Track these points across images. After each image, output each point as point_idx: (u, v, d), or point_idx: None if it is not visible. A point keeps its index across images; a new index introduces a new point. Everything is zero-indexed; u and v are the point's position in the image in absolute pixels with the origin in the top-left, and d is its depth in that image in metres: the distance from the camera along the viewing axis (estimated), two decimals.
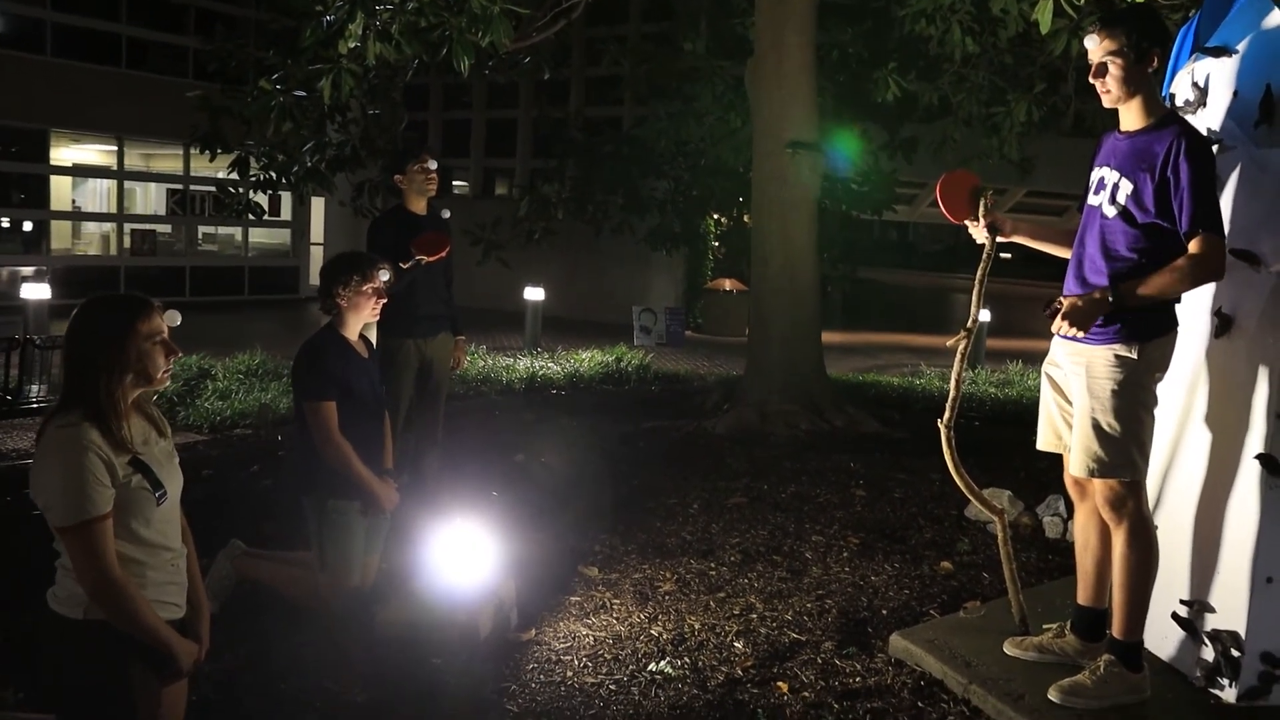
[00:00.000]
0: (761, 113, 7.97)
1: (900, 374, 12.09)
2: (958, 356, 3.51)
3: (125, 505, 2.34)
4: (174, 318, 2.49)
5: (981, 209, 3.44)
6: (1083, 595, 3.46)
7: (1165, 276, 2.96)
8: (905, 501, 5.70)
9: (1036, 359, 12.80)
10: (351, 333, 3.91)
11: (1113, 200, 3.10)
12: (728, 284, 17.65)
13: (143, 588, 2.38)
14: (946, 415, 3.50)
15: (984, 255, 3.47)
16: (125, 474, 2.33)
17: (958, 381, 3.53)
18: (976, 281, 3.47)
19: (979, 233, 3.47)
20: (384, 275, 3.93)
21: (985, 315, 12.93)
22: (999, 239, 3.48)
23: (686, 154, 12.59)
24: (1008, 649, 3.51)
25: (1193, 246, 2.93)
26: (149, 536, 2.41)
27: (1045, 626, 3.57)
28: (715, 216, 16.40)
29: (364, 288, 3.84)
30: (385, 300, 3.96)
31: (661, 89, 12.73)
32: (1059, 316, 3.03)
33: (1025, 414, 8.61)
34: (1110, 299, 2.98)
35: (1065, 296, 3.12)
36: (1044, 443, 3.50)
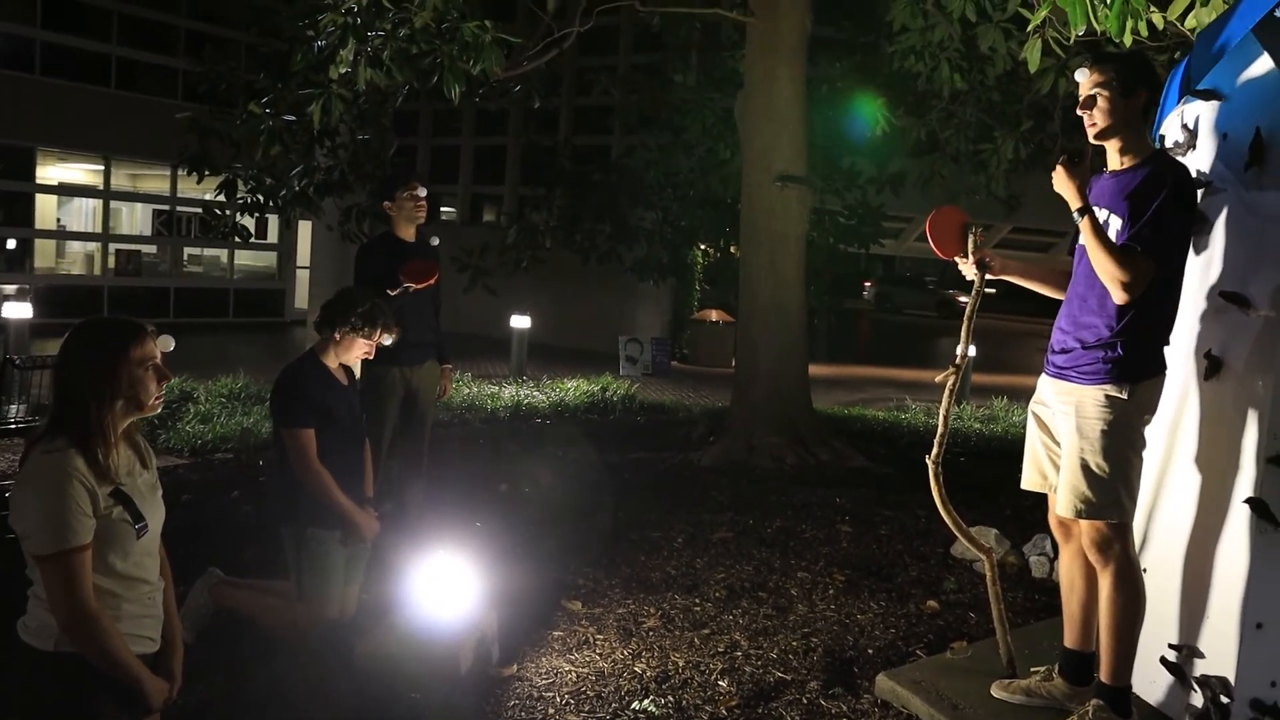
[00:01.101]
0: (751, 145, 7.99)
1: (885, 408, 12.07)
2: (946, 392, 3.49)
3: (104, 537, 2.28)
4: (167, 343, 2.44)
5: (970, 245, 3.44)
6: (1069, 638, 3.43)
7: (1105, 248, 2.98)
8: (891, 538, 5.67)
9: (1021, 395, 12.84)
10: (333, 361, 3.88)
11: None
12: (714, 315, 17.66)
13: (117, 620, 2.32)
14: (934, 451, 3.48)
15: (973, 291, 3.47)
16: (107, 505, 2.28)
17: (946, 417, 3.51)
18: (965, 318, 3.46)
19: (968, 269, 3.46)
20: (388, 340, 3.95)
21: (971, 351, 12.96)
22: (987, 276, 3.48)
23: (675, 185, 12.61)
24: (995, 692, 3.47)
25: (1121, 257, 2.97)
26: (126, 570, 2.35)
27: (1033, 669, 3.53)
28: (702, 247, 16.42)
29: (361, 339, 3.86)
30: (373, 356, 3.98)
31: (651, 119, 12.79)
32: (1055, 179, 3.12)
33: (1010, 450, 8.62)
34: (1078, 213, 3.05)
35: (1060, 366, 3.21)
36: (1029, 482, 3.49)
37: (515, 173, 20.50)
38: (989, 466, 7.90)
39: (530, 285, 13.96)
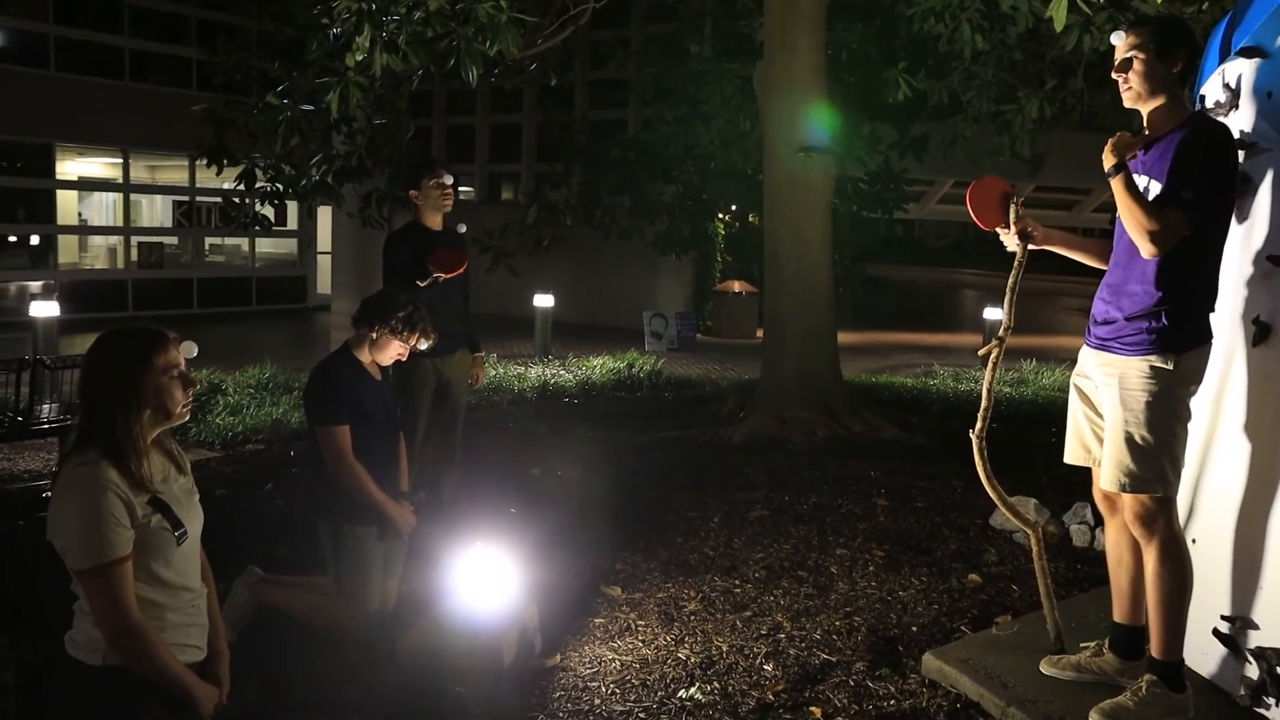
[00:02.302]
0: (772, 116, 7.88)
1: (913, 374, 11.99)
2: (989, 365, 3.42)
3: (145, 546, 2.28)
4: (190, 349, 2.43)
5: (1013, 216, 3.36)
6: (1119, 613, 3.38)
7: (1136, 202, 2.94)
8: (928, 511, 5.62)
9: (1049, 356, 12.72)
10: (366, 357, 3.86)
11: None
12: (737, 286, 17.58)
13: (162, 630, 2.32)
14: (978, 425, 3.41)
15: (1015, 263, 3.39)
16: (145, 514, 2.27)
17: (989, 390, 3.44)
18: (1008, 290, 3.39)
19: (1010, 240, 3.38)
20: (424, 345, 3.96)
21: (997, 314, 12.84)
22: (1030, 247, 3.41)
23: (695, 157, 12.50)
24: (1044, 668, 3.43)
25: (1151, 209, 2.92)
26: (169, 577, 2.35)
27: (1082, 645, 3.48)
28: (723, 218, 16.32)
29: (398, 341, 3.86)
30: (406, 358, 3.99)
31: (668, 91, 12.67)
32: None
33: (1042, 414, 8.55)
34: (1113, 167, 2.99)
35: (1102, 337, 3.14)
36: (1071, 456, 3.42)
37: (532, 150, 20.43)
38: (1022, 432, 7.82)
39: (550, 263, 13.91)
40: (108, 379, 2.28)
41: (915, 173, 12.56)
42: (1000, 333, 3.39)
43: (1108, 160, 3.01)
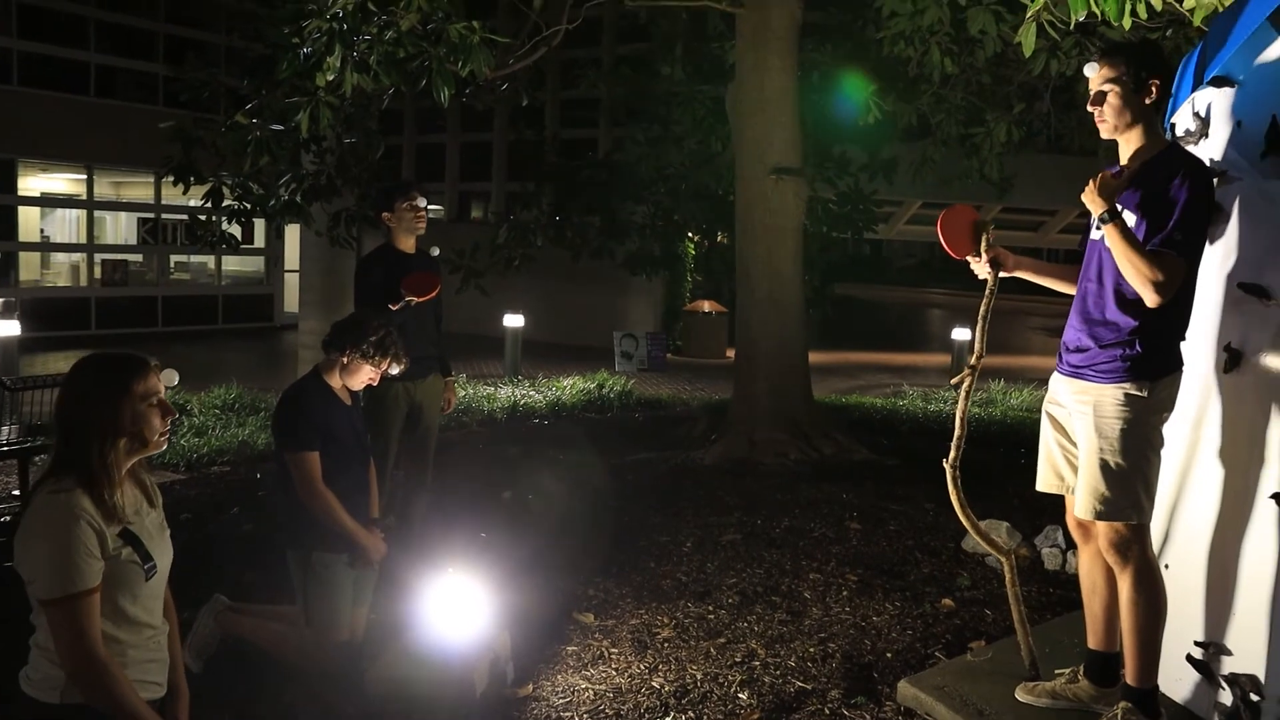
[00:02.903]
0: (744, 137, 7.90)
1: (882, 395, 12.05)
2: (962, 394, 3.40)
3: (113, 579, 2.22)
4: (171, 377, 2.38)
5: (984, 244, 3.37)
6: (1093, 639, 3.38)
7: (1135, 251, 2.90)
8: (900, 534, 5.61)
9: (1016, 376, 12.79)
10: (336, 382, 3.80)
11: None
12: (706, 305, 17.62)
13: (124, 666, 2.26)
14: (951, 455, 3.40)
15: (986, 291, 3.38)
16: (115, 546, 2.22)
17: (963, 420, 3.41)
18: (980, 318, 3.38)
19: (981, 269, 3.39)
20: (395, 370, 3.89)
21: (965, 335, 12.93)
22: (1001, 274, 3.42)
23: (667, 178, 12.52)
24: (1020, 695, 3.41)
25: (1152, 259, 2.90)
26: (134, 613, 2.29)
27: (1057, 671, 3.47)
28: (693, 237, 16.36)
29: (369, 366, 3.80)
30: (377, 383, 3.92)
31: (639, 112, 12.69)
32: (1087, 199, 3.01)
33: (1010, 434, 8.60)
34: (1107, 211, 2.95)
35: (1074, 365, 3.13)
36: (1044, 483, 3.40)
37: (502, 169, 20.39)
38: (992, 452, 7.85)
39: (520, 282, 13.83)
40: (85, 405, 2.23)
41: (883, 193, 12.65)
42: (972, 361, 3.37)
43: (1096, 205, 2.98)
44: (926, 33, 7.74)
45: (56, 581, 2.12)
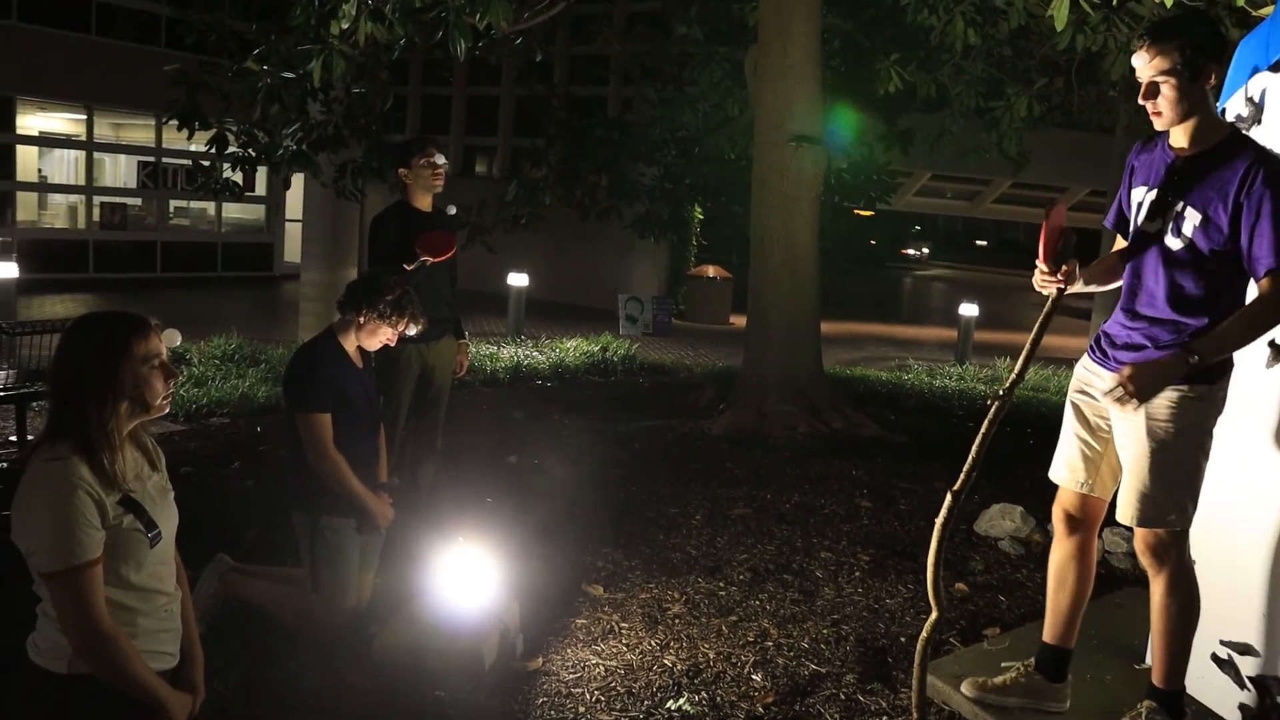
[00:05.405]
0: (764, 103, 7.73)
1: (887, 368, 11.95)
2: (988, 420, 2.92)
3: (116, 548, 2.12)
4: (173, 338, 2.27)
5: (1065, 255, 3.01)
6: (1051, 633, 3.28)
7: (1240, 326, 2.73)
8: (912, 514, 5.54)
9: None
10: (351, 344, 3.69)
11: (1177, 232, 2.84)
12: (711, 270, 17.50)
13: (134, 637, 2.16)
14: (959, 482, 2.97)
15: (1045, 310, 3.03)
16: (116, 514, 2.11)
17: (980, 446, 2.92)
18: (1030, 340, 3.00)
19: (1050, 284, 3.02)
20: (412, 331, 3.78)
21: (973, 310, 12.81)
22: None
23: (679, 140, 12.33)
24: (965, 690, 3.30)
25: (1264, 285, 2.69)
26: (140, 581, 2.19)
27: (1004, 665, 3.39)
28: (703, 202, 16.21)
29: (386, 327, 3.69)
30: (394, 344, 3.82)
31: (652, 71, 12.47)
32: (1123, 390, 2.75)
33: (1017, 414, 8.48)
34: (1190, 360, 2.73)
35: (1124, 362, 2.87)
36: (1057, 476, 3.23)
37: (509, 124, 20.14)
38: (1001, 433, 7.74)
39: (524, 240, 13.65)
40: (82, 368, 2.11)
41: (894, 164, 12.50)
42: (1007, 385, 2.99)
43: (1164, 377, 2.78)
44: (951, 1, 7.57)
45: (56, 554, 2.02)
